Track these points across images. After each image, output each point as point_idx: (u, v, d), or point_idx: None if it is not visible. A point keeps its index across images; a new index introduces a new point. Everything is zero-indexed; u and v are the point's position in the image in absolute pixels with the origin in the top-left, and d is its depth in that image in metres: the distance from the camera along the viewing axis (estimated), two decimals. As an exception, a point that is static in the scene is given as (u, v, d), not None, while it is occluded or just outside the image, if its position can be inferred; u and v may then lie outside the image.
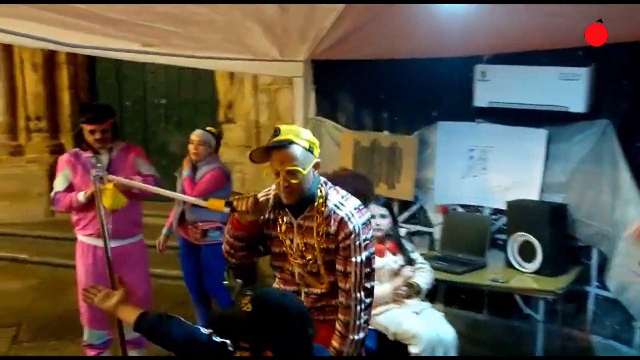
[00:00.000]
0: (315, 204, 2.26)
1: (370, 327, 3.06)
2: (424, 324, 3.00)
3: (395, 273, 3.16)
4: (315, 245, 2.26)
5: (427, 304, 3.25)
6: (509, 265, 3.50)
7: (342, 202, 2.28)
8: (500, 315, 3.84)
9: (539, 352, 3.26)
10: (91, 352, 3.90)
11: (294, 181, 2.17)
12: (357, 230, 2.23)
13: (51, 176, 3.89)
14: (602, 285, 3.40)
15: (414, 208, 4.02)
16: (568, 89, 3.35)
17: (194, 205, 4.01)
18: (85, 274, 3.75)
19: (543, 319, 3.28)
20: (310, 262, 2.30)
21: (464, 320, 3.90)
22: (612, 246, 3.32)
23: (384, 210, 3.20)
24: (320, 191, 2.28)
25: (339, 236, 2.24)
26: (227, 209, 2.28)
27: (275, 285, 2.51)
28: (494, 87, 3.57)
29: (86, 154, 3.71)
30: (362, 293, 2.25)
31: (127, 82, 8.16)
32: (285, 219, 2.33)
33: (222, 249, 2.42)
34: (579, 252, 3.51)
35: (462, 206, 3.90)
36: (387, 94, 4.04)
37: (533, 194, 3.59)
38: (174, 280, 5.71)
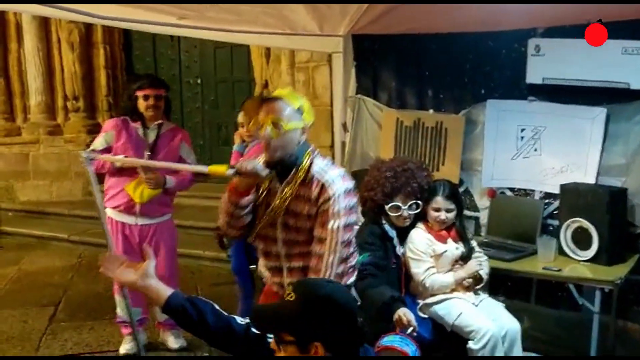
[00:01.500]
0: (299, 168, 2.29)
1: (425, 316, 2.96)
2: (486, 318, 2.83)
3: (456, 261, 3.01)
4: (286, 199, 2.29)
5: (485, 295, 3.09)
6: (562, 252, 3.30)
7: (326, 169, 2.31)
8: (549, 305, 3.65)
9: (594, 345, 3.07)
10: (126, 330, 3.90)
11: (274, 133, 2.21)
12: (336, 196, 2.24)
13: (88, 156, 3.85)
14: (663, 276, 3.18)
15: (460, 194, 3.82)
16: (630, 63, 3.12)
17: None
18: (115, 249, 3.72)
19: (599, 310, 3.07)
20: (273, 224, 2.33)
21: (509, 309, 3.72)
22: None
23: (450, 204, 3.01)
24: (306, 158, 2.31)
25: (319, 200, 2.25)
26: (230, 172, 2.23)
27: (260, 262, 2.52)
28: (549, 62, 3.34)
29: (135, 124, 3.68)
30: (336, 258, 2.24)
31: (163, 61, 8.15)
32: (272, 184, 2.34)
33: (221, 224, 2.42)
34: (638, 240, 3.28)
35: (511, 190, 3.69)
36: (432, 71, 3.84)
37: (589, 178, 3.37)
38: (211, 262, 5.71)
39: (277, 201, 2.30)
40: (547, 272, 3.12)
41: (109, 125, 3.74)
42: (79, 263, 6.13)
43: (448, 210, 2.99)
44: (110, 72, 8.18)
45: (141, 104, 3.62)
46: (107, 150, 3.67)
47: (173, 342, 3.92)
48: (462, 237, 3.04)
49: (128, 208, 3.67)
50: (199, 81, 7.97)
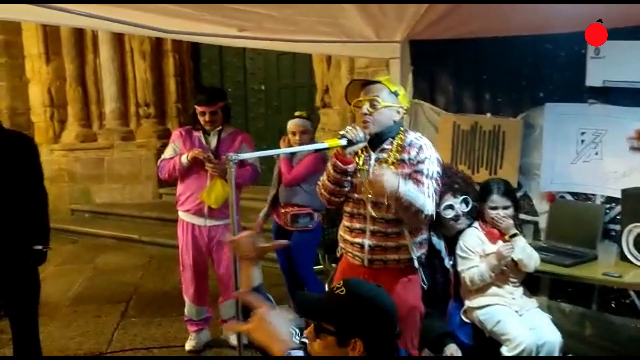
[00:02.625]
0: (395, 138, 2.58)
1: (467, 321, 2.98)
2: (524, 328, 2.83)
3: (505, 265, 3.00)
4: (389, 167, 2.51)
5: (533, 304, 3.07)
6: (624, 258, 3.21)
7: (420, 137, 2.63)
8: (611, 312, 3.56)
9: (656, 354, 2.99)
10: (192, 328, 4.10)
11: (371, 109, 2.53)
12: (432, 159, 2.54)
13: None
14: None
15: (517, 195, 3.77)
16: (695, 64, 3.02)
17: (287, 188, 4.06)
18: (186, 250, 4.02)
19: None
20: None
21: (570, 315, 3.66)
22: None
23: (507, 201, 3.05)
24: (401, 131, 2.61)
25: (416, 159, 2.52)
26: (343, 142, 2.45)
27: (342, 226, 2.73)
28: (609, 64, 3.27)
29: (197, 133, 3.93)
30: (434, 199, 2.49)
31: (229, 69, 8.41)
32: (363, 153, 2.62)
33: (322, 192, 2.64)
34: None
35: (571, 194, 3.62)
36: (490, 74, 3.80)
37: (652, 182, 3.28)
38: (269, 263, 5.83)
39: (373, 169, 2.55)
40: (607, 278, 3.05)
41: (175, 136, 4.03)
42: (148, 263, 6.43)
43: (505, 207, 3.01)
44: (179, 79, 8.54)
45: (199, 117, 3.88)
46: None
47: (235, 338, 4.07)
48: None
49: (198, 211, 3.92)
50: (262, 87, 8.18)
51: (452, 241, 3.06)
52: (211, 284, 4.23)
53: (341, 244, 2.75)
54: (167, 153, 3.99)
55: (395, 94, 2.61)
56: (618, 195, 3.35)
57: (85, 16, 2.71)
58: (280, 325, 1.64)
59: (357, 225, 2.63)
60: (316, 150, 3.73)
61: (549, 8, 3.04)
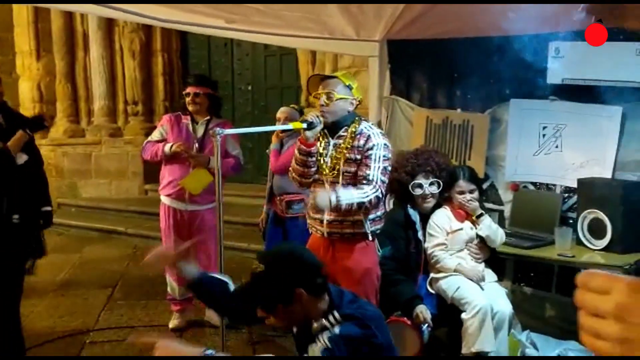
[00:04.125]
0: (350, 126, 2.90)
1: (432, 291, 3.23)
2: (481, 294, 3.07)
3: (468, 243, 3.25)
4: (342, 152, 2.86)
5: (492, 278, 3.31)
6: (579, 242, 3.48)
7: (370, 126, 2.94)
8: (569, 295, 3.81)
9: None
10: (175, 307, 4.29)
11: (327, 101, 2.85)
12: (379, 145, 2.85)
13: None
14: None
15: (484, 185, 4.03)
16: (645, 64, 3.30)
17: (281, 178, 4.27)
18: (167, 232, 4.20)
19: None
20: (336, 173, 2.88)
21: (532, 298, 3.93)
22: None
23: (472, 185, 3.30)
24: (356, 122, 2.92)
25: (366, 147, 2.84)
26: (304, 125, 2.79)
27: (308, 206, 3.07)
28: (568, 63, 3.55)
29: (185, 120, 4.11)
30: (377, 192, 2.78)
31: (217, 69, 8.59)
32: (324, 139, 2.96)
33: (293, 175, 2.97)
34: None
35: (533, 184, 3.90)
36: (461, 72, 4.09)
37: (606, 172, 3.54)
38: (255, 254, 6.03)
39: (336, 153, 2.90)
40: (561, 258, 3.32)
41: (164, 120, 4.22)
42: (134, 253, 6.59)
43: (471, 191, 3.26)
44: (167, 78, 8.70)
45: (185, 98, 4.08)
46: (162, 141, 4.11)
47: (217, 319, 4.27)
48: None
49: (179, 196, 4.09)
50: (249, 88, 8.40)
51: (427, 217, 3.31)
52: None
53: (308, 221, 3.08)
54: (154, 136, 4.17)
55: (349, 87, 2.91)
56: (576, 185, 3.62)
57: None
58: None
59: None
60: (283, 131, 3.99)
61: (515, 8, 3.30)
